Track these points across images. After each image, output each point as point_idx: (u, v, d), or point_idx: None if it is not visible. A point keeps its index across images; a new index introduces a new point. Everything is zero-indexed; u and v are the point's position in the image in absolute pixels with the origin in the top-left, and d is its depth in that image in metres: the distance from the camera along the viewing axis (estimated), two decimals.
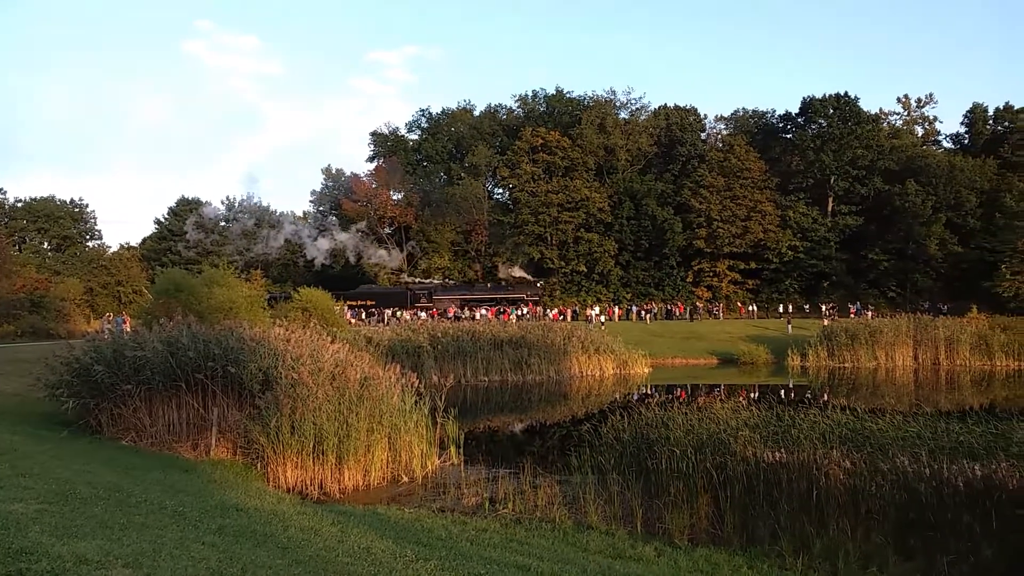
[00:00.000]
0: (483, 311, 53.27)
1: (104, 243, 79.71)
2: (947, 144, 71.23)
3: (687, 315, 57.34)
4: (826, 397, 25.00)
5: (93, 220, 79.89)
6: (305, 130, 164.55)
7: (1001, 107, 66.54)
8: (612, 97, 74.58)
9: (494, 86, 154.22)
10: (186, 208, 76.49)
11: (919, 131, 72.79)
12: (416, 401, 14.13)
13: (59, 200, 77.03)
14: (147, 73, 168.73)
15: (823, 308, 53.96)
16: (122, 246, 78.85)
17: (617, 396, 27.34)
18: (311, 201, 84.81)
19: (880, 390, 26.98)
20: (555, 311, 54.82)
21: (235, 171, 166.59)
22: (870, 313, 49.19)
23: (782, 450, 10.44)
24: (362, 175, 75.20)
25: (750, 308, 60.35)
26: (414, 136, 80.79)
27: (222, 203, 79.40)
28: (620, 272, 64.22)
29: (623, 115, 73.56)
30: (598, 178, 67.50)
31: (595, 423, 14.78)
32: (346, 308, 48.03)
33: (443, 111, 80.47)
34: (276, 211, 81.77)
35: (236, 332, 15.05)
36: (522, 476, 12.09)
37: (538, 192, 63.80)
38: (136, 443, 13.25)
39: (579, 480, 11.74)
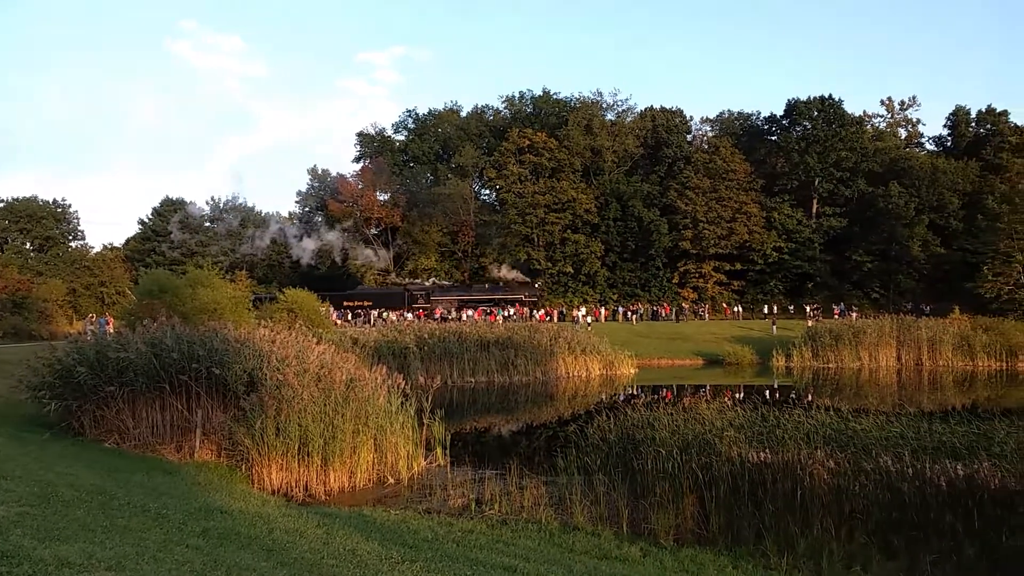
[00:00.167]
0: (469, 312, 53.26)
1: (87, 244, 79.20)
2: (930, 146, 71.93)
3: (673, 316, 57.52)
4: (810, 397, 25.13)
5: (76, 220, 79.11)
6: (290, 130, 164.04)
7: (983, 110, 67.21)
8: (599, 98, 74.92)
9: (481, 87, 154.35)
10: (170, 208, 75.90)
11: (902, 133, 73.55)
12: (402, 402, 14.09)
13: (41, 200, 76.19)
14: (131, 73, 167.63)
15: (807, 309, 54.29)
16: (105, 247, 78.42)
17: (603, 397, 27.39)
18: (297, 201, 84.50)
19: (864, 390, 27.17)
20: (541, 312, 54.86)
21: (220, 171, 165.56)
22: (854, 314, 49.51)
23: (767, 450, 10.50)
24: (348, 176, 75.08)
25: (735, 309, 60.64)
26: (401, 137, 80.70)
27: (207, 203, 79.00)
28: (606, 273, 64.39)
29: (610, 116, 73.86)
30: (585, 179, 67.64)
31: (581, 424, 14.81)
32: (332, 309, 47.84)
33: (430, 112, 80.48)
34: (261, 211, 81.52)
35: (221, 333, 14.94)
36: (508, 477, 12.09)
37: (525, 193, 63.84)
38: (119, 445, 13.13)
39: (565, 481, 11.75)
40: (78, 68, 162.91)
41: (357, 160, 79.89)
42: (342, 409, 12.68)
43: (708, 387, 29.42)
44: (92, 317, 39.96)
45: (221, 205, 78.96)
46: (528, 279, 62.54)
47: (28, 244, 74.89)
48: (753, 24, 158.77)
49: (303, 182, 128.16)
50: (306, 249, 70.70)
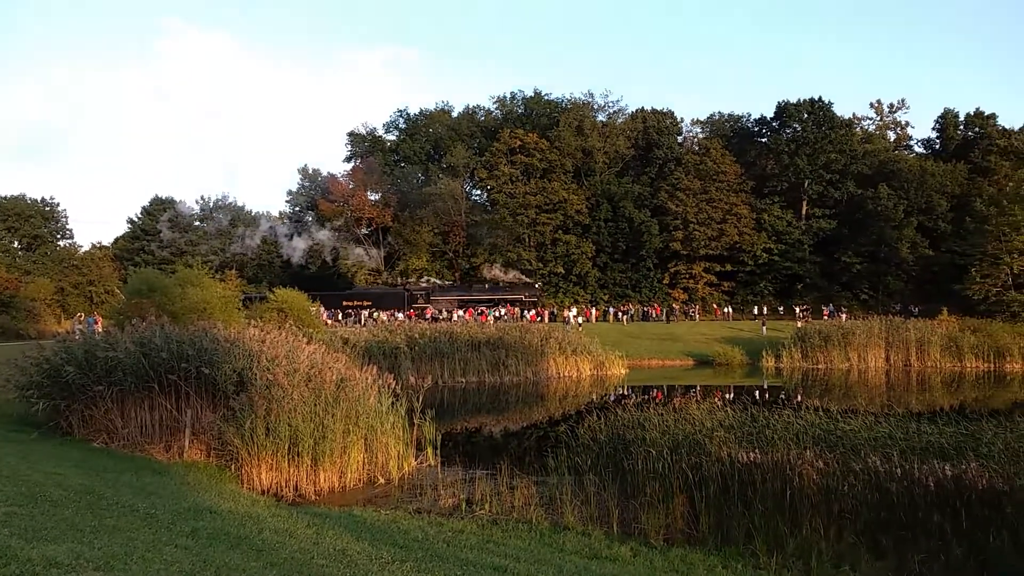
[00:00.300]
0: (460, 312, 53.20)
1: (75, 242, 78.66)
2: (919, 149, 72.49)
3: (663, 317, 57.64)
4: (800, 398, 25.23)
5: (64, 219, 78.60)
6: (281, 130, 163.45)
7: (972, 113, 67.73)
8: (590, 99, 75.10)
9: (472, 87, 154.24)
10: (160, 207, 75.53)
11: (891, 136, 74.03)
12: (393, 402, 14.07)
13: (29, 199, 75.69)
14: (117, 71, 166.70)
15: (797, 310, 54.50)
16: (94, 245, 77.87)
17: (594, 397, 27.41)
18: (287, 201, 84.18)
19: (852, 391, 27.27)
20: (532, 312, 54.88)
21: (209, 170, 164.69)
22: (843, 315, 49.76)
23: (756, 451, 10.52)
24: (339, 175, 74.87)
25: (725, 310, 60.81)
26: (392, 137, 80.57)
27: (196, 202, 78.65)
28: (597, 274, 64.51)
29: (601, 118, 73.98)
30: (576, 180, 67.75)
31: (572, 424, 14.81)
32: (322, 309, 47.71)
33: (421, 112, 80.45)
34: (252, 211, 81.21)
35: (210, 333, 14.88)
36: (499, 477, 12.08)
37: (516, 194, 63.87)
38: (108, 445, 13.06)
39: (556, 481, 11.75)
40: (64, 67, 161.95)
41: (348, 160, 79.85)
42: (332, 409, 12.65)
43: (698, 387, 29.49)
44: (80, 316, 39.70)
45: (211, 204, 78.69)
46: (529, 279, 62.48)
47: (16, 243, 74.35)
48: (743, 26, 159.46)
49: (293, 182, 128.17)
50: (296, 248, 70.47)
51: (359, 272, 66.89)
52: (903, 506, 9.07)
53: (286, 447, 12.04)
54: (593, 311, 59.56)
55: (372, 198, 70.71)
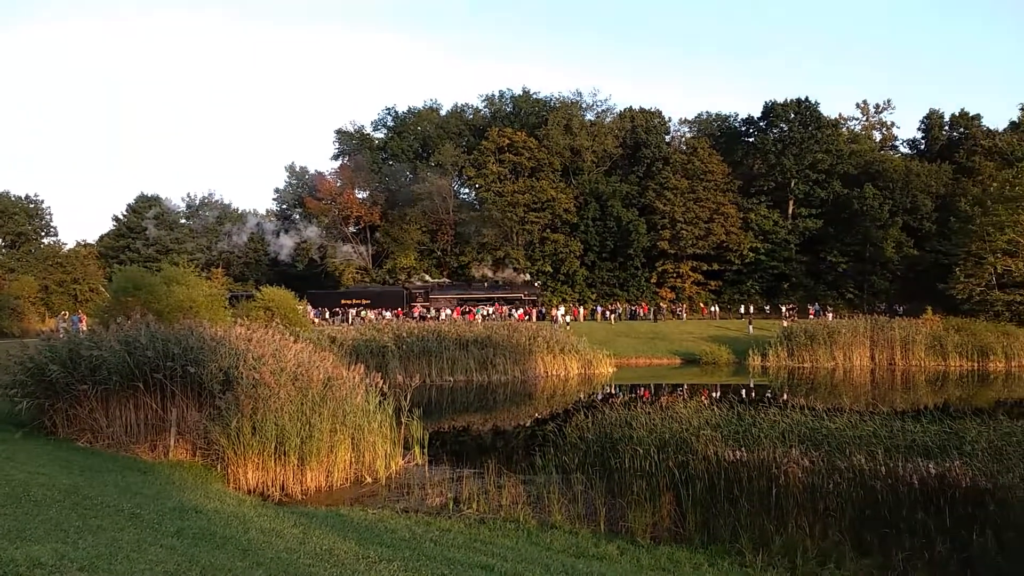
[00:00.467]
0: (447, 311, 53.11)
1: (60, 240, 77.90)
2: (904, 149, 73.08)
3: (651, 316, 57.81)
4: (786, 397, 25.37)
5: (49, 216, 77.83)
6: (268, 127, 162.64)
7: (956, 113, 68.36)
8: (578, 98, 75.11)
9: (461, 86, 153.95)
10: (145, 205, 74.96)
11: (877, 136, 74.56)
12: (380, 401, 14.02)
13: (13, 196, 74.95)
14: (103, 65, 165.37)
15: (783, 309, 54.86)
16: (79, 243, 77.21)
17: (582, 396, 27.46)
18: (274, 199, 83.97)
19: (838, 390, 27.46)
20: (520, 311, 54.89)
21: (196, 168, 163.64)
22: (829, 314, 50.10)
23: (743, 449, 10.59)
24: (327, 173, 74.61)
25: (712, 309, 61.12)
26: (380, 134, 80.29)
27: (183, 200, 78.24)
28: (585, 272, 64.60)
29: (589, 116, 74.07)
30: (564, 179, 67.78)
31: (560, 423, 14.84)
32: (309, 307, 47.53)
33: (409, 110, 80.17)
34: (238, 208, 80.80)
35: (196, 331, 14.78)
36: (486, 476, 12.08)
37: (504, 192, 63.82)
38: (92, 444, 12.96)
39: (543, 480, 11.78)
40: (51, 61, 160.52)
41: (336, 157, 79.51)
42: (319, 408, 12.60)
43: (685, 386, 29.60)
44: (65, 315, 39.40)
45: (197, 202, 78.21)
46: (529, 278, 62.33)
47: (0, 240, 73.69)
48: (731, 26, 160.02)
49: (280, 179, 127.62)
50: (284, 246, 70.18)
51: (347, 270, 66.70)
52: (888, 504, 9.14)
53: (273, 446, 11.97)
54: (581, 310, 59.67)
55: (360, 196, 70.49)
